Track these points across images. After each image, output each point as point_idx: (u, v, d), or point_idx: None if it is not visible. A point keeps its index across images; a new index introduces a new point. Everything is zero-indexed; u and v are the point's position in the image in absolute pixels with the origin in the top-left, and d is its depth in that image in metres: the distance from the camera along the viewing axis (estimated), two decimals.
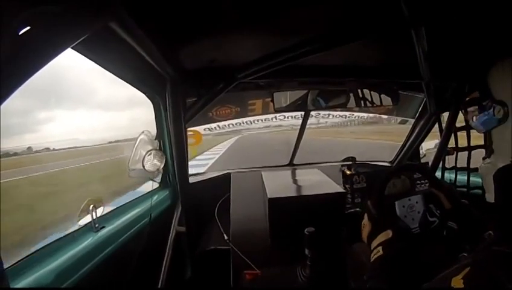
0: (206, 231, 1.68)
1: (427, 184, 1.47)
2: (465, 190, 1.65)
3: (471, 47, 1.26)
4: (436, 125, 1.90)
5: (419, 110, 2.05)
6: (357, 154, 2.32)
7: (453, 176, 1.75)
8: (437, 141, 1.91)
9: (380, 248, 0.86)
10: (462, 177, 1.69)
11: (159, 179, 1.74)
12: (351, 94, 1.80)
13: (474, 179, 1.61)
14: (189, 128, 1.66)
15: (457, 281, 0.51)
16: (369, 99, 1.80)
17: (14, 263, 0.85)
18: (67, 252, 0.98)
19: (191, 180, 1.83)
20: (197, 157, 10.79)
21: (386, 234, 0.89)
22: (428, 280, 0.61)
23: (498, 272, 0.49)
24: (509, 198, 0.63)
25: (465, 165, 1.61)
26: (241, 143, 18.18)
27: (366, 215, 0.99)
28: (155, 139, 1.61)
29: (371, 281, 0.82)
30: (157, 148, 1.59)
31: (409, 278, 0.77)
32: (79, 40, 0.64)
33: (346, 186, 1.60)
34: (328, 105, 1.86)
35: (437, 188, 0.97)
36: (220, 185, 1.87)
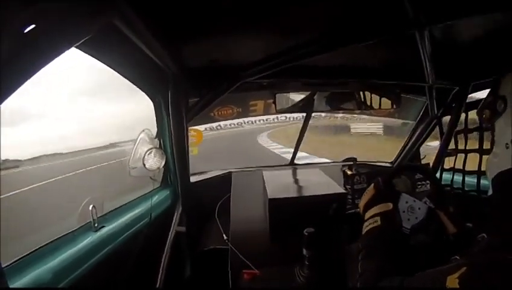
0: (206, 231, 1.68)
1: (428, 185, 1.48)
2: (460, 191, 1.66)
3: (475, 50, 1.26)
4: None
5: (421, 113, 2.05)
6: None
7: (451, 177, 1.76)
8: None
9: (378, 218, 0.86)
10: (459, 178, 1.70)
11: (159, 178, 1.74)
12: (356, 97, 1.81)
13: (470, 180, 1.61)
14: (190, 128, 1.66)
15: (452, 280, 0.51)
16: (372, 102, 1.80)
17: (13, 262, 0.84)
18: (67, 251, 0.98)
19: (192, 179, 1.83)
20: None
21: (387, 206, 0.88)
22: (420, 270, 0.61)
23: (494, 278, 0.49)
24: (507, 202, 0.63)
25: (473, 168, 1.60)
26: None
27: (372, 185, 0.99)
28: (155, 138, 1.61)
29: (364, 251, 0.81)
30: (158, 146, 1.59)
31: (403, 260, 0.76)
32: (84, 39, 0.64)
33: (347, 187, 1.60)
34: (335, 107, 1.86)
35: (441, 210, 0.95)
36: (221, 184, 1.87)
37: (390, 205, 0.89)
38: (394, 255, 0.78)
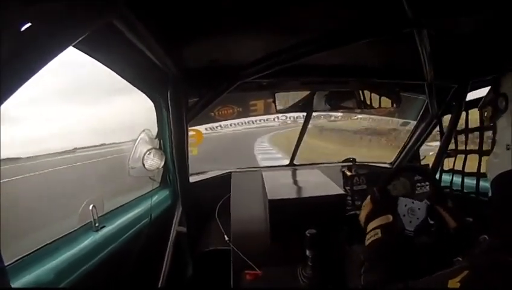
0: (207, 231, 1.68)
1: (427, 186, 1.48)
2: (459, 193, 1.66)
3: (473, 48, 1.26)
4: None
5: (421, 112, 2.05)
6: None
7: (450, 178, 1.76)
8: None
9: (378, 231, 0.86)
10: (459, 180, 1.70)
11: (159, 178, 1.74)
12: (356, 96, 1.80)
13: (469, 182, 1.62)
14: (190, 128, 1.66)
15: (454, 284, 0.51)
16: (372, 101, 1.79)
17: (15, 261, 0.84)
18: (68, 251, 0.98)
19: (191, 179, 1.83)
20: None
21: (387, 218, 0.89)
22: (423, 276, 0.61)
23: (496, 280, 0.49)
24: (507, 204, 0.63)
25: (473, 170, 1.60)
26: None
27: (368, 197, 1.00)
28: (155, 138, 1.61)
29: (366, 264, 0.81)
30: (158, 147, 1.59)
31: (406, 267, 0.76)
32: (81, 38, 0.63)
33: (347, 188, 1.60)
34: (335, 107, 1.86)
35: (441, 206, 0.95)
36: (220, 184, 1.87)
37: (390, 217, 0.89)
38: (396, 267, 0.78)
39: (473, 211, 0.98)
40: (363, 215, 0.97)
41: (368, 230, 0.90)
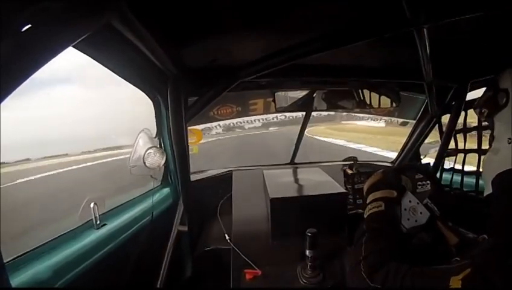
0: (208, 230, 1.68)
1: (428, 185, 1.47)
2: (459, 191, 1.67)
3: (473, 48, 1.26)
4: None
5: (421, 112, 2.05)
6: None
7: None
8: None
9: (381, 203, 0.86)
10: (459, 178, 1.70)
11: (160, 176, 1.74)
12: (356, 96, 1.80)
13: (469, 180, 1.62)
14: (189, 127, 1.66)
15: (455, 281, 0.52)
16: (371, 101, 1.79)
17: (14, 258, 0.85)
18: (68, 248, 0.98)
19: (193, 178, 1.84)
20: None
21: (391, 193, 0.89)
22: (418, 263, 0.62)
23: (497, 279, 0.49)
24: (509, 204, 0.63)
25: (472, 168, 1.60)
26: None
27: (381, 170, 1.01)
28: (155, 137, 1.62)
29: (368, 234, 0.82)
30: (158, 145, 1.60)
31: (404, 246, 0.78)
32: (81, 38, 0.63)
33: (348, 186, 1.59)
34: (334, 106, 1.87)
35: (442, 222, 0.95)
36: (222, 183, 1.88)
37: (395, 193, 0.89)
38: (398, 239, 0.79)
39: (472, 210, 0.98)
40: (368, 183, 0.98)
41: (369, 200, 0.91)
